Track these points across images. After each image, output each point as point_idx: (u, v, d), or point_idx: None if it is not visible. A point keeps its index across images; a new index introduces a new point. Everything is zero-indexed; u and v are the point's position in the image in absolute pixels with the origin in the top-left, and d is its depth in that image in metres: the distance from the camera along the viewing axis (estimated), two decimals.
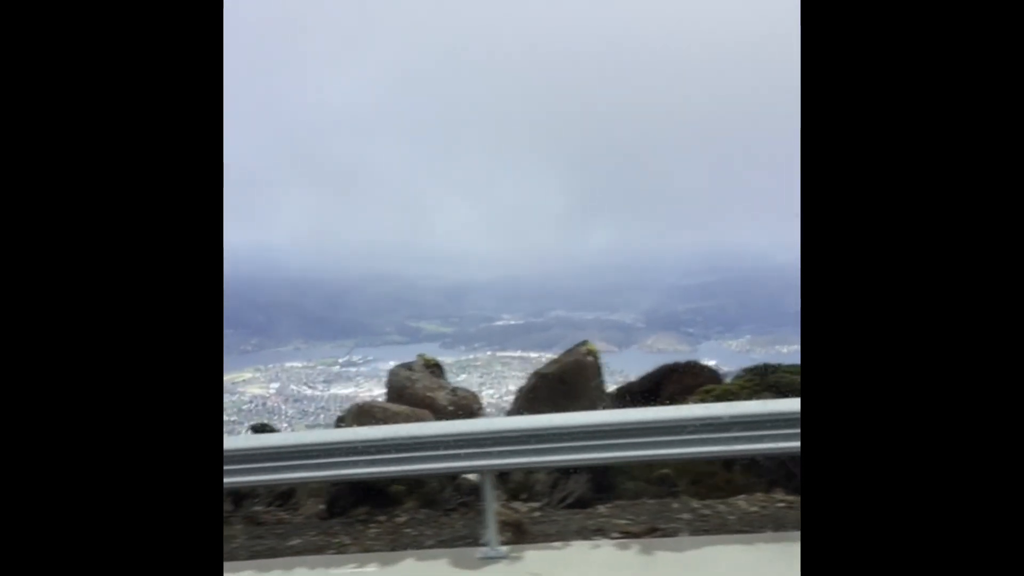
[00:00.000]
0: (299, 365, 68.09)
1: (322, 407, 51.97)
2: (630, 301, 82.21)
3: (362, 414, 8.57)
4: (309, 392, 57.74)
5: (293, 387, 59.59)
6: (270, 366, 66.93)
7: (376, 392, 56.53)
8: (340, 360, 69.71)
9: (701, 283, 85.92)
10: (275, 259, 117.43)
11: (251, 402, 54.08)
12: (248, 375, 64.02)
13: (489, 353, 70.67)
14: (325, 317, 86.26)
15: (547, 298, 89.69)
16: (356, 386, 59.01)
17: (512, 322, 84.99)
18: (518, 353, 70.47)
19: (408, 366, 9.80)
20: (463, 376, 62.41)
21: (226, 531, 7.41)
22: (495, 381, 61.43)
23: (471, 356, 69.65)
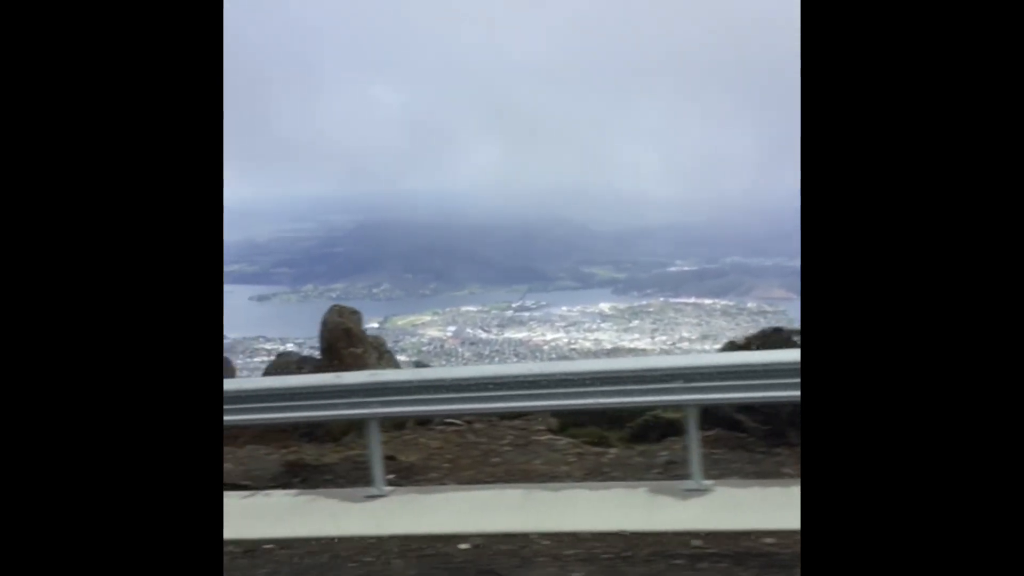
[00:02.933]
0: (474, 309, 70.03)
1: (496, 350, 53.39)
2: None
3: None
4: (484, 335, 59.44)
5: (469, 330, 61.49)
6: (447, 309, 69.31)
7: (549, 336, 57.56)
8: (513, 305, 71.10)
9: None
10: (456, 206, 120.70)
11: (430, 343, 56.41)
12: (427, 318, 66.68)
13: (661, 300, 69.80)
14: (500, 262, 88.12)
15: (724, 244, 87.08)
16: (529, 331, 60.09)
17: (686, 268, 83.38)
18: (691, 300, 69.21)
19: None
20: (635, 322, 62.08)
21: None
22: (668, 328, 60.72)
23: (643, 302, 69.04)
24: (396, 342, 56.64)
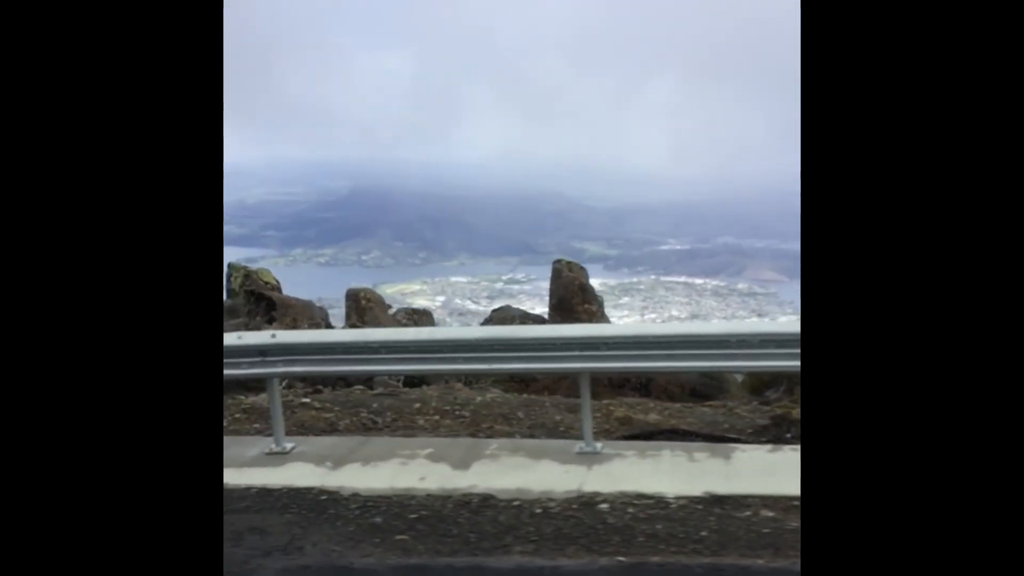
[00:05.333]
0: (463, 280, 69.81)
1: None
2: None
3: None
4: (472, 307, 59.34)
5: (458, 301, 61.43)
6: (436, 279, 69.14)
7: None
8: (503, 277, 70.98)
9: None
10: (453, 177, 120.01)
11: None
12: (416, 287, 66.57)
13: (652, 277, 69.92)
14: (492, 234, 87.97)
15: (717, 224, 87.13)
16: (518, 304, 59.95)
17: (678, 247, 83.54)
18: (683, 278, 69.31)
19: None
20: (625, 299, 62.10)
21: None
22: (657, 305, 60.86)
23: (634, 279, 69.12)
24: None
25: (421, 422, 6.91)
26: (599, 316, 13.36)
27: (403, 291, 64.79)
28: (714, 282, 68.93)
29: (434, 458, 5.76)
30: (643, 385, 10.58)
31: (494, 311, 16.35)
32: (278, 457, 5.88)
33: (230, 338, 6.46)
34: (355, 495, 5.18)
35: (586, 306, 13.01)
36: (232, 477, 5.52)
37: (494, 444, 6.12)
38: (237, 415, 7.29)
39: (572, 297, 13.12)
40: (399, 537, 4.55)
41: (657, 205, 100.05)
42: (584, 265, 15.53)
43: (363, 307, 14.19)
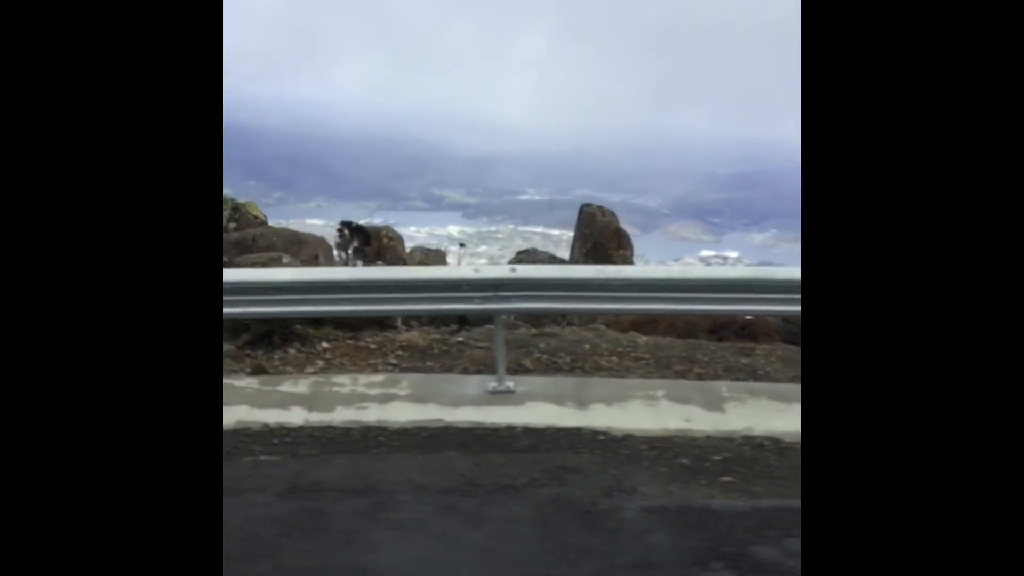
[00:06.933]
0: (319, 223, 67.93)
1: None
2: (659, 186, 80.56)
3: None
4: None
5: None
6: (292, 221, 66.96)
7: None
8: (360, 221, 69.59)
9: (737, 173, 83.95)
10: (313, 116, 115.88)
11: None
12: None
13: (511, 227, 70.53)
14: (351, 177, 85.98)
15: (574, 176, 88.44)
16: None
17: (536, 198, 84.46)
18: (540, 229, 70.24)
19: None
20: (483, 247, 62.50)
21: None
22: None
23: (493, 228, 69.49)
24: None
25: (603, 363, 6.73)
26: (631, 261, 13.30)
27: None
28: (570, 233, 70.15)
29: (676, 400, 5.62)
30: (746, 332, 10.44)
31: (520, 253, 15.85)
32: (506, 396, 5.72)
33: (465, 271, 6.19)
34: (629, 436, 5.00)
35: (622, 251, 12.90)
36: (480, 415, 5.35)
37: (723, 386, 6.00)
38: (399, 352, 6.83)
39: (608, 242, 12.95)
40: (725, 479, 4.38)
41: (518, 155, 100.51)
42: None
43: (384, 245, 13.72)
